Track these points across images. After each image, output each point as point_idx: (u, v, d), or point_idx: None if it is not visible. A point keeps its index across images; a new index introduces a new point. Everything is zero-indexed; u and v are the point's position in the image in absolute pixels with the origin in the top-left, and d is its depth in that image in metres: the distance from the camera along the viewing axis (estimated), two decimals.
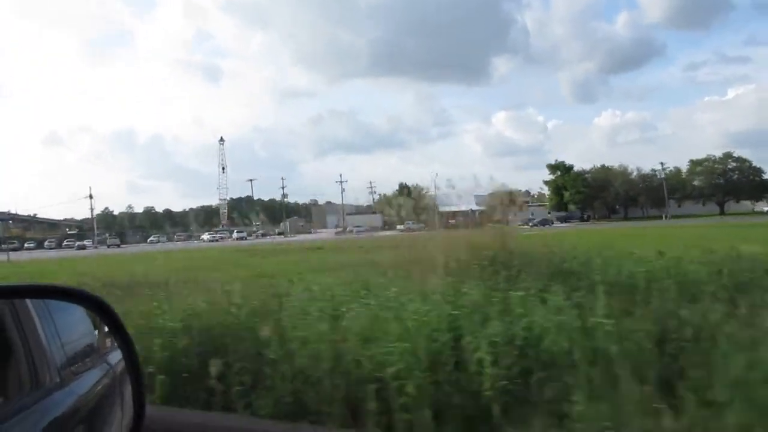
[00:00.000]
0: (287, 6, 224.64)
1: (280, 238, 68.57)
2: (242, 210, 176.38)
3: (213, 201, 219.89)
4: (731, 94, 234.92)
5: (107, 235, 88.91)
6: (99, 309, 1.38)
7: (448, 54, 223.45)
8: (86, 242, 76.81)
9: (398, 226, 62.60)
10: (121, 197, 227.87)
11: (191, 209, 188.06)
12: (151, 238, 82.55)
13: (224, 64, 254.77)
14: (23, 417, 1.02)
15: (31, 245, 78.76)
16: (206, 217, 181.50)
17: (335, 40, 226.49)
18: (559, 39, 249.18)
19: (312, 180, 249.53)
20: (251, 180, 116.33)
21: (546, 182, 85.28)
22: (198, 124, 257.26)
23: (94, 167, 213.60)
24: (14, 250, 71.25)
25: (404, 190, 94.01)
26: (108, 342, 1.43)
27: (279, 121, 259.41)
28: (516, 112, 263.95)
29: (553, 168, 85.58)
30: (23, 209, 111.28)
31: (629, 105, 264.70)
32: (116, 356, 1.40)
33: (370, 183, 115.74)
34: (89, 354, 1.43)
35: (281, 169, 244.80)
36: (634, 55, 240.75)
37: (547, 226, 64.48)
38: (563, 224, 70.06)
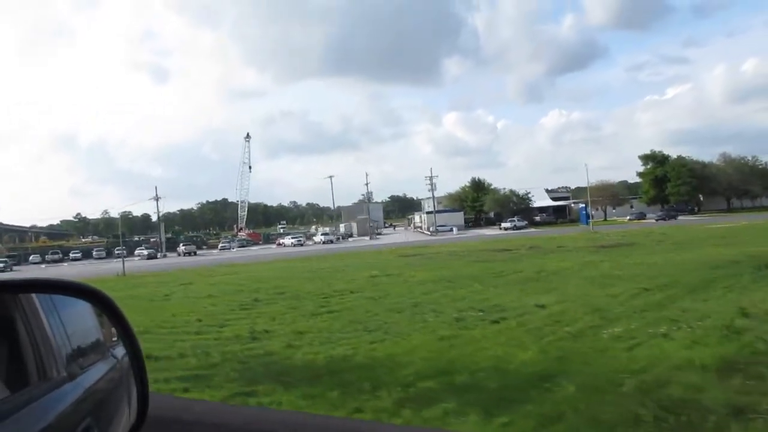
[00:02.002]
0: (237, 5, 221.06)
1: (368, 239, 67.16)
2: (223, 213, 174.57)
3: (170, 205, 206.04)
4: (670, 93, 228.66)
5: (153, 241, 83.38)
6: (103, 304, 1.39)
7: (398, 55, 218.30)
8: (145, 250, 69.13)
9: (502, 224, 63.20)
10: (63, 202, 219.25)
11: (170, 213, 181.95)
12: (223, 244, 74.91)
13: (172, 64, 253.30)
14: (30, 410, 1.03)
15: (77, 254, 76.47)
16: (183, 220, 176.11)
17: (286, 39, 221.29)
18: (508, 41, 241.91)
19: (263, 182, 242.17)
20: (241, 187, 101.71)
21: (641, 174, 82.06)
22: (144, 126, 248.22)
23: (32, 171, 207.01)
24: (55, 261, 70.81)
25: (478, 185, 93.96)
26: (113, 337, 1.45)
27: (229, 121, 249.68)
28: (466, 112, 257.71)
29: (647, 158, 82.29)
30: None
31: (575, 105, 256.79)
32: (121, 351, 1.42)
33: (430, 179, 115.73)
34: (95, 348, 1.44)
35: (233, 170, 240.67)
36: (580, 57, 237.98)
37: (671, 220, 61.67)
38: (689, 217, 66.79)
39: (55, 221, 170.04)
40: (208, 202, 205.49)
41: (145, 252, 63.51)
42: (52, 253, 77.16)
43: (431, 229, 75.93)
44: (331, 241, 66.07)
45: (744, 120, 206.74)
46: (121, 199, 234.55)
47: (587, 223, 65.60)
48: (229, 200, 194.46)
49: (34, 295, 1.21)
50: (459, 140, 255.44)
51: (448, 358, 9.65)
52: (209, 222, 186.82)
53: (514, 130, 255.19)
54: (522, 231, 63.42)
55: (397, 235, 75.14)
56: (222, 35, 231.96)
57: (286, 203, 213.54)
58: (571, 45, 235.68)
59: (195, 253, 62.33)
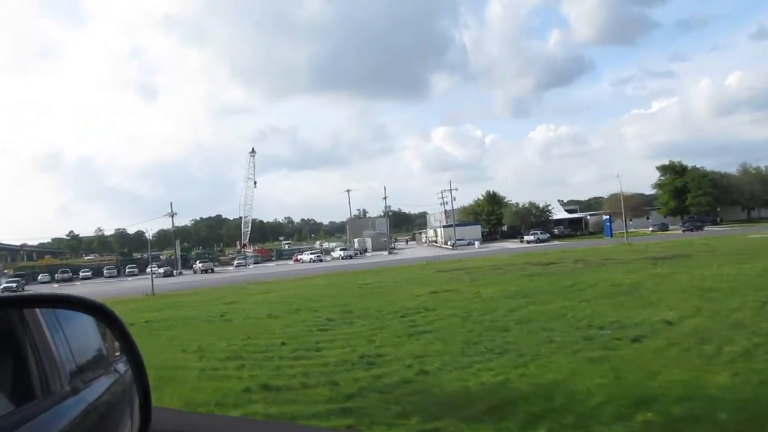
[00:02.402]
0: (224, 22, 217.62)
1: (386, 254, 65.82)
2: (218, 230, 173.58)
3: (155, 223, 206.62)
4: (656, 107, 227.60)
5: (163, 258, 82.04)
6: (106, 318, 1.40)
7: (387, 70, 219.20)
8: (160, 268, 66.54)
9: (526, 237, 61.96)
10: (48, 221, 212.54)
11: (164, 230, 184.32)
12: (239, 261, 71.68)
13: (160, 81, 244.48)
14: (34, 424, 1.03)
15: (87, 273, 73.74)
16: (181, 238, 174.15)
17: (274, 56, 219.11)
18: (495, 57, 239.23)
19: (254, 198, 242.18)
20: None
21: (659, 185, 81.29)
22: (132, 144, 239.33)
23: (17, 190, 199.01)
24: (64, 281, 68.14)
25: (493, 199, 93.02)
26: (116, 350, 1.46)
27: (218, 139, 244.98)
28: (455, 127, 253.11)
29: (665, 169, 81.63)
30: None
31: (562, 119, 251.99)
32: (124, 364, 1.43)
33: (442, 194, 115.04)
34: (98, 362, 1.45)
35: (221, 187, 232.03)
36: (566, 72, 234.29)
37: (698, 231, 60.46)
38: (715, 228, 65.59)
39: (45, 239, 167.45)
40: (202, 218, 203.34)
41: (161, 270, 61.98)
42: (61, 272, 75.35)
43: (448, 243, 74.78)
44: (351, 257, 64.78)
45: (729, 133, 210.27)
46: (108, 217, 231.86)
47: (611, 235, 64.58)
48: (224, 216, 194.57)
49: (37, 310, 1.22)
50: (447, 155, 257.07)
51: (626, 384, 8.49)
52: (205, 239, 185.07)
53: (502, 145, 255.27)
54: (546, 244, 62.33)
55: (414, 250, 73.76)
56: (210, 53, 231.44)
57: (271, 219, 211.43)
58: (558, 60, 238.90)
59: (212, 270, 60.91)
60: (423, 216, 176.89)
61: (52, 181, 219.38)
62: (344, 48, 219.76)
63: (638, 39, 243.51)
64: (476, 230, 77.58)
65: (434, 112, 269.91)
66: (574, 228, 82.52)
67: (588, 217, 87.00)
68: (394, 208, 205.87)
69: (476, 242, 68.59)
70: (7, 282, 61.70)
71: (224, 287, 36.76)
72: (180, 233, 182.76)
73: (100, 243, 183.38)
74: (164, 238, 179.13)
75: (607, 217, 66.14)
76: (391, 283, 29.39)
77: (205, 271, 60.82)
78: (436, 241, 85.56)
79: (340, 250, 67.95)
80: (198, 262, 65.19)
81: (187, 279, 53.21)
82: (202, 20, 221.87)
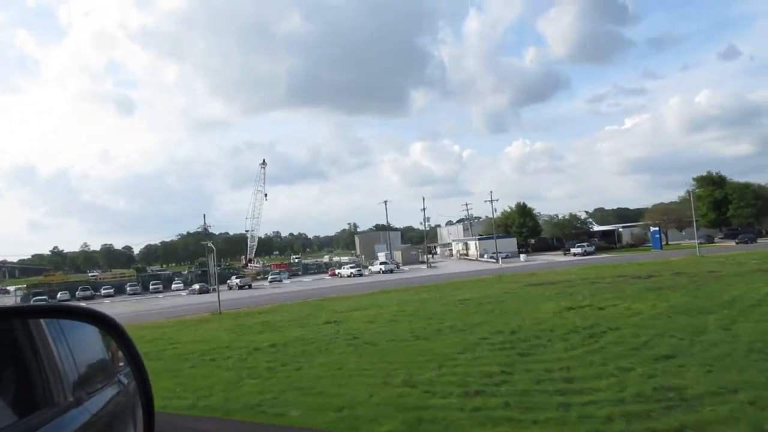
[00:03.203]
0: (202, 36, 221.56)
1: (426, 268, 63.92)
2: (198, 244, 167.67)
3: (143, 239, 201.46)
4: (629, 123, 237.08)
5: (185, 273, 79.64)
6: (111, 329, 1.41)
7: (366, 86, 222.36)
8: (191, 285, 67.07)
9: (572, 250, 59.71)
10: (20, 237, 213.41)
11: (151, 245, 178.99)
12: (273, 276, 67.76)
13: (137, 95, 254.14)
14: None
15: (110, 290, 70.79)
16: (166, 253, 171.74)
17: (252, 70, 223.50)
18: (473, 73, 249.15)
19: (229, 212, 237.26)
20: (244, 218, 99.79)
21: (697, 196, 79.67)
22: (108, 158, 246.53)
23: None
24: (85, 298, 65.13)
25: (523, 210, 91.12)
26: (120, 361, 1.46)
27: (195, 152, 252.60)
28: (432, 142, 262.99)
29: (703, 180, 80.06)
30: None
31: (538, 135, 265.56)
32: (128, 375, 1.44)
33: (467, 206, 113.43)
34: (102, 373, 1.44)
35: (197, 201, 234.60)
36: (542, 88, 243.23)
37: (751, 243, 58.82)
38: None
39: (24, 256, 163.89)
40: (189, 233, 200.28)
41: (197, 286, 59.31)
42: (82, 289, 72.46)
43: (485, 256, 72.65)
44: (391, 271, 62.38)
45: (699, 149, 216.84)
46: (84, 233, 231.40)
47: (661, 247, 62.71)
48: (210, 231, 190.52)
49: (42, 321, 1.24)
50: (426, 169, 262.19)
51: None
52: (193, 254, 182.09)
53: (480, 160, 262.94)
54: (595, 257, 60.28)
55: (452, 264, 71.21)
56: (188, 67, 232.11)
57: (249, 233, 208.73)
58: (535, 77, 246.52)
59: (250, 286, 58.27)
60: (411, 230, 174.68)
61: (25, 196, 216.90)
62: (323, 63, 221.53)
63: (612, 57, 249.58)
64: (512, 243, 75.49)
65: (413, 127, 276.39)
66: (607, 240, 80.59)
67: (620, 229, 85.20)
68: (376, 222, 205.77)
69: (521, 255, 66.33)
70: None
71: (296, 304, 34.36)
72: (168, 248, 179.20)
73: (85, 258, 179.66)
74: (152, 253, 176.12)
75: (656, 228, 64.29)
76: (495, 298, 27.07)
77: (243, 287, 58.14)
78: (467, 254, 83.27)
79: (380, 264, 65.43)
80: (234, 277, 62.48)
81: (231, 296, 50.59)
82: (180, 34, 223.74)
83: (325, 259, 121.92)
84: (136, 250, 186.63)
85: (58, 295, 70.63)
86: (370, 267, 64.90)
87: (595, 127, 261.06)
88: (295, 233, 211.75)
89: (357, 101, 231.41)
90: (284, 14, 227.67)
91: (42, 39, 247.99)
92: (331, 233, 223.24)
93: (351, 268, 64.13)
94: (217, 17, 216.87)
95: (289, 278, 68.05)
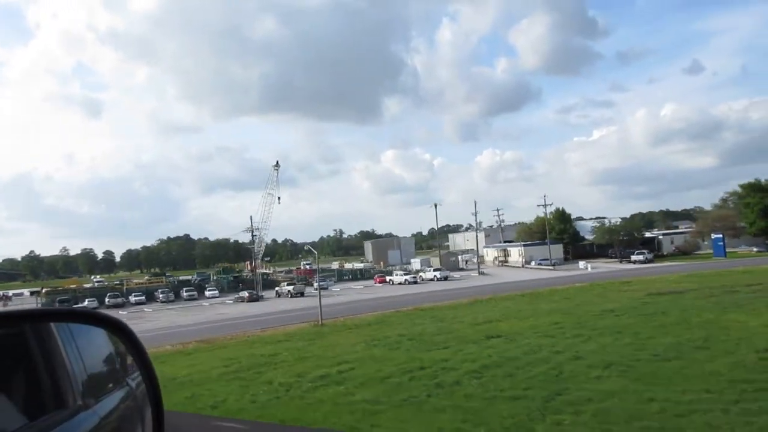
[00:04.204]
0: (174, 40, 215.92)
1: (484, 277, 61.49)
2: (191, 250, 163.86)
3: (124, 245, 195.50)
4: (596, 134, 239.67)
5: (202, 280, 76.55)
6: (120, 332, 1.42)
7: (338, 92, 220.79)
8: (210, 291, 65.36)
9: (633, 257, 57.37)
10: None
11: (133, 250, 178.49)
12: (321, 284, 64.07)
13: (105, 98, 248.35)
14: None
15: (141, 297, 66.22)
16: (148, 258, 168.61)
17: (224, 75, 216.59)
18: (445, 82, 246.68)
19: (197, 218, 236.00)
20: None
21: (745, 203, 77.79)
22: (73, 162, 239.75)
23: None
24: (116, 306, 61.42)
25: (563, 216, 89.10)
26: (129, 364, 1.47)
27: (163, 157, 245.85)
28: (404, 150, 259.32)
29: (751, 188, 78.06)
30: None
31: (508, 144, 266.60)
32: (137, 378, 1.45)
33: (498, 211, 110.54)
34: (111, 376, 1.45)
35: (164, 206, 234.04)
36: (513, 99, 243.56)
37: None
38: None
39: None
40: (169, 238, 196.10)
41: (245, 293, 56.02)
42: (111, 296, 68.50)
43: (532, 263, 70.30)
44: (446, 278, 59.63)
45: (664, 161, 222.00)
46: (44, 237, 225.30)
47: (724, 255, 60.67)
48: (191, 237, 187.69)
49: (51, 324, 1.25)
50: (397, 177, 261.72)
51: None
52: (176, 260, 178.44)
53: (451, 168, 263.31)
54: (656, 265, 58.09)
55: (503, 271, 68.07)
56: (158, 70, 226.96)
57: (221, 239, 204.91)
58: (506, 87, 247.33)
59: (303, 294, 55.19)
60: (392, 236, 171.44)
61: None
62: (295, 69, 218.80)
63: (582, 69, 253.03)
64: (558, 249, 73.16)
65: (385, 134, 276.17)
66: (647, 248, 78.40)
67: (660, 237, 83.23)
68: (370, 228, 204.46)
69: (580, 263, 63.78)
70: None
71: (397, 314, 31.61)
72: (151, 254, 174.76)
73: (64, 264, 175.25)
74: (134, 259, 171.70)
75: (720, 236, 62.28)
76: (645, 309, 24.52)
77: (296, 294, 54.86)
78: (506, 261, 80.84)
79: (434, 270, 62.62)
80: (285, 284, 59.02)
81: (296, 304, 47.60)
82: (150, 38, 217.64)
83: (335, 265, 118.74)
84: (118, 256, 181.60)
85: (86, 302, 67.04)
86: (421, 274, 62.06)
87: (564, 138, 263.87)
88: (286, 240, 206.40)
89: (329, 108, 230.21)
90: (258, 19, 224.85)
91: (7, 40, 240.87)
92: (305, 239, 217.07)
93: (404, 275, 61.33)
94: (190, 20, 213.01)
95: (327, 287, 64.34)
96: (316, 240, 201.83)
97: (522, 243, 77.81)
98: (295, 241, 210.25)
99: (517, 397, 12.08)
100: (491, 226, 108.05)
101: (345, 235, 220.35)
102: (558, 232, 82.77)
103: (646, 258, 61.26)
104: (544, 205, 75.20)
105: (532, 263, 70.95)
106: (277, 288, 59.01)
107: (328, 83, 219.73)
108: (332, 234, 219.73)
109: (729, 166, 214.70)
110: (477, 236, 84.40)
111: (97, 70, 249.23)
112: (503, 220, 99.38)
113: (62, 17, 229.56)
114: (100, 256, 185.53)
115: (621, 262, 64.95)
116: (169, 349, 25.19)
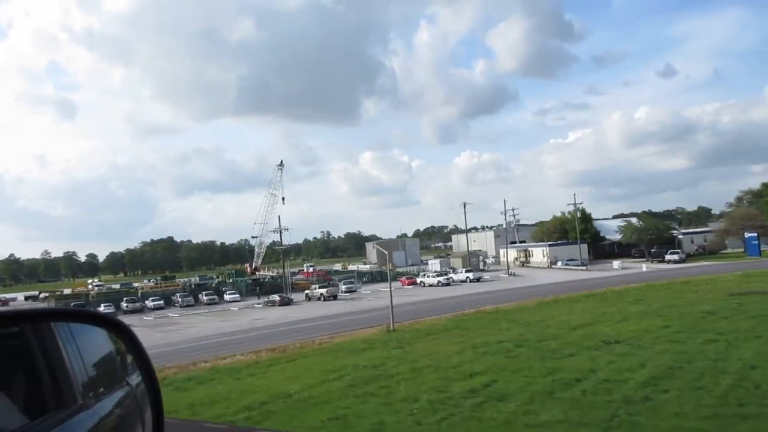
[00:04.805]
0: (151, 41, 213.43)
1: (515, 278, 59.77)
2: (176, 253, 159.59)
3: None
4: (572, 137, 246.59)
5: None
6: (120, 332, 1.43)
7: (316, 94, 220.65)
8: (230, 295, 63.49)
9: (667, 257, 56.21)
10: None
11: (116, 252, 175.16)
12: (348, 286, 60.11)
13: (80, 99, 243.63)
14: None
15: (159, 302, 63.59)
16: (132, 260, 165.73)
17: (201, 77, 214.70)
18: (423, 84, 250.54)
19: (173, 220, 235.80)
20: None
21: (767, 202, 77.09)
22: (46, 163, 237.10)
23: None
24: (135, 311, 59.44)
25: (584, 215, 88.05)
26: (129, 364, 1.48)
27: (139, 159, 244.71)
28: (383, 152, 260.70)
29: None
30: None
31: (486, 147, 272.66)
32: (137, 378, 1.46)
33: (513, 210, 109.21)
34: (111, 376, 1.46)
35: (141, 208, 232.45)
36: (491, 101, 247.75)
37: None
38: None
39: None
40: (153, 240, 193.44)
41: (275, 297, 54.02)
42: (129, 301, 65.96)
43: (558, 263, 69.05)
44: (478, 279, 58.22)
45: (638, 163, 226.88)
46: (15, 240, 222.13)
47: (759, 254, 59.80)
48: (176, 239, 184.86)
49: (51, 324, 1.25)
50: (375, 179, 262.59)
51: None
52: (161, 262, 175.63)
53: (429, 170, 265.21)
54: (693, 265, 57.04)
55: (533, 273, 66.18)
56: (135, 71, 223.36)
57: (198, 241, 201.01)
58: (484, 89, 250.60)
59: (336, 297, 53.44)
60: (377, 238, 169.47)
61: None
62: (273, 71, 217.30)
63: (558, 72, 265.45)
64: (583, 249, 71.95)
65: (363, 136, 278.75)
66: (667, 247, 77.40)
67: (680, 236, 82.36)
68: (356, 230, 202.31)
69: (617, 263, 62.33)
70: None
71: (478, 317, 29.87)
72: (135, 257, 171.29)
73: (46, 267, 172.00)
74: (116, 260, 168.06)
75: (755, 234, 61.34)
76: (749, 312, 23.10)
77: (329, 298, 52.98)
78: (527, 262, 79.50)
79: (466, 271, 61.20)
80: (317, 287, 57.25)
81: (330, 308, 45.79)
82: (126, 38, 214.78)
83: (337, 267, 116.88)
84: (101, 258, 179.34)
85: (101, 307, 64.37)
86: (452, 275, 60.38)
87: (541, 140, 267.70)
88: (275, 241, 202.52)
89: (308, 110, 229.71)
90: (235, 21, 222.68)
91: None
92: (288, 241, 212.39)
93: (436, 276, 59.70)
94: (166, 21, 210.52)
95: (353, 290, 62.34)
96: (301, 242, 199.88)
97: (547, 243, 76.47)
98: (277, 242, 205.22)
99: (746, 416, 10.56)
100: (500, 226, 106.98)
101: (333, 237, 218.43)
102: (581, 232, 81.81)
103: (680, 257, 60.25)
104: (575, 204, 73.99)
105: (559, 264, 69.67)
106: (307, 291, 56.94)
107: (306, 85, 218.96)
108: (319, 236, 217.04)
109: (701, 168, 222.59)
110: (501, 236, 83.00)
111: (72, 70, 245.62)
112: (518, 220, 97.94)
113: (35, 16, 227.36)
114: (83, 259, 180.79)
115: (651, 261, 63.89)
116: (242, 359, 23.38)
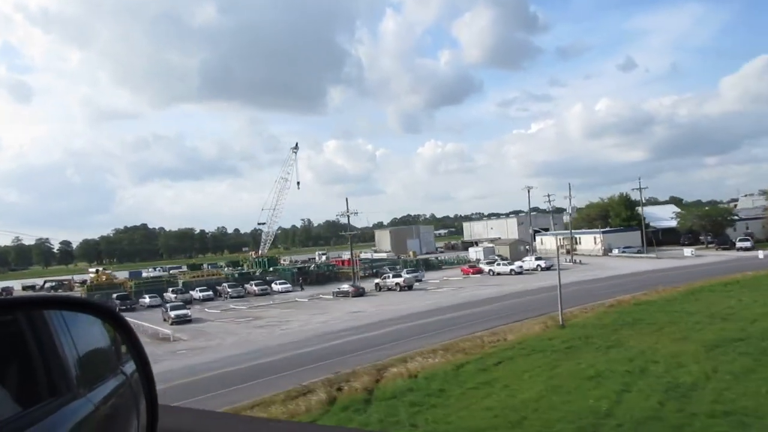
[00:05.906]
0: (109, 24, 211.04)
1: (582, 266, 57.12)
2: (154, 241, 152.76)
3: (80, 234, 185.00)
4: (535, 128, 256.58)
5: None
6: (113, 321, 1.43)
7: (281, 82, 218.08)
8: (281, 285, 60.30)
9: (738, 244, 54.59)
10: None
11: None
12: (392, 274, 56.36)
13: (34, 81, 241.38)
14: (40, 427, 1.05)
15: (208, 293, 60.31)
16: (108, 248, 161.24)
17: (162, 61, 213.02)
18: (388, 73, 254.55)
19: (132, 207, 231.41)
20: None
21: None
22: None
23: None
24: (128, 309, 52.07)
25: (628, 201, 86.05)
26: (123, 353, 1.48)
27: (96, 144, 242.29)
28: (347, 141, 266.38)
29: None
30: None
31: (450, 136, 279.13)
32: (131, 367, 1.45)
33: (548, 197, 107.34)
34: (105, 365, 1.46)
35: (97, 195, 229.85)
36: (456, 91, 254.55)
37: None
38: None
39: None
40: (126, 227, 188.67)
41: (348, 287, 51.42)
42: (175, 291, 61.94)
43: (615, 251, 67.58)
44: (549, 267, 56.27)
45: (598, 154, 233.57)
46: None
47: None
48: (149, 226, 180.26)
49: (45, 312, 1.24)
50: (339, 167, 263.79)
51: None
52: (138, 250, 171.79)
53: (393, 159, 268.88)
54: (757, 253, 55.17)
55: (609, 261, 62.96)
56: (93, 54, 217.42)
57: (155, 228, 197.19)
58: (449, 80, 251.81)
59: (412, 287, 50.65)
60: (355, 228, 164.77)
61: None
62: (237, 57, 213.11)
63: (522, 63, 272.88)
64: (635, 237, 70.59)
65: (328, 125, 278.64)
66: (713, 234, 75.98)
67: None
68: (334, 218, 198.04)
69: (689, 251, 60.45)
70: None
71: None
72: (111, 244, 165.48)
73: (17, 254, 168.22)
74: (90, 247, 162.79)
75: None
76: None
77: (404, 288, 49.72)
78: (574, 250, 77.99)
79: (536, 259, 59.80)
80: (391, 275, 53.61)
81: (414, 299, 43.46)
82: (85, 20, 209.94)
83: (345, 255, 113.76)
84: (75, 245, 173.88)
85: (147, 299, 60.76)
86: (517, 264, 58.48)
87: (504, 131, 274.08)
88: (242, 230, 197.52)
89: (272, 97, 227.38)
90: (198, 4, 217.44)
91: None
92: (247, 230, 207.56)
93: (507, 265, 57.96)
94: (127, 3, 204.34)
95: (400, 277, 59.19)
96: (277, 230, 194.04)
97: (600, 230, 74.88)
98: (227, 229, 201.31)
99: None
100: (523, 213, 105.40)
101: (313, 224, 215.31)
102: (624, 219, 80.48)
103: (752, 245, 58.98)
104: (640, 189, 71.91)
105: (615, 251, 68.14)
106: (377, 281, 54.43)
107: (270, 72, 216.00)
108: (298, 224, 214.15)
109: (658, 160, 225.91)
110: (524, 223, 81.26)
111: (27, 52, 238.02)
112: (553, 207, 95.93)
113: None
114: (56, 246, 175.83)
115: (717, 249, 62.61)
116: (432, 361, 21.00)
